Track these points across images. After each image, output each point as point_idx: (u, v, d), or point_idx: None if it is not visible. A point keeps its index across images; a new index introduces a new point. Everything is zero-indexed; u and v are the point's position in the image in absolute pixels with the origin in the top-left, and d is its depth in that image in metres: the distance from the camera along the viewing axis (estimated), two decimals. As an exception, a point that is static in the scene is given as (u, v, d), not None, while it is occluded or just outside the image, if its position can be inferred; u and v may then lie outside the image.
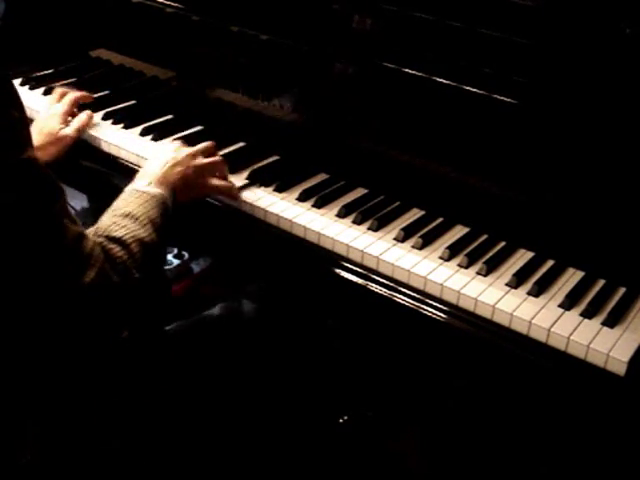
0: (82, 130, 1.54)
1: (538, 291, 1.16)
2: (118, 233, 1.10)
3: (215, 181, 1.34)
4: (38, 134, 1.46)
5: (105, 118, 1.61)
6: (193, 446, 1.22)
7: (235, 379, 1.33)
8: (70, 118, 1.55)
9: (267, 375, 1.39)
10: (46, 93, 1.71)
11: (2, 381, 1.05)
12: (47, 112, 1.55)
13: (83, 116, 1.55)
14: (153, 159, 1.31)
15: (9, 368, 1.05)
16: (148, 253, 1.12)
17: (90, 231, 1.11)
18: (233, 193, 1.35)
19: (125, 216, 1.14)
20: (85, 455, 1.13)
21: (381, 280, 1.21)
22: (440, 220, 1.33)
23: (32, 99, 1.68)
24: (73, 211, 1.06)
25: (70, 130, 1.51)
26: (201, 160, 1.33)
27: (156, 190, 1.21)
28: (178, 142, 1.39)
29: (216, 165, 1.36)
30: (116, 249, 1.07)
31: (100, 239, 1.07)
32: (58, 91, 1.61)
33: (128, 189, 1.22)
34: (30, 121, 1.63)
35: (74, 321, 1.02)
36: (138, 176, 1.26)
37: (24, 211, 0.93)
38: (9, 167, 0.91)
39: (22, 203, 0.93)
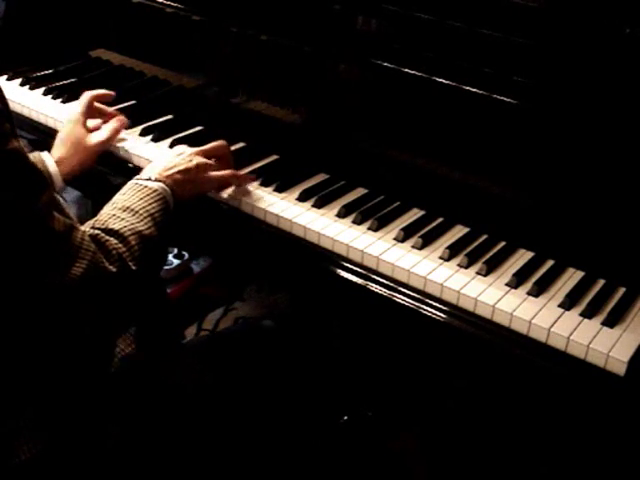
0: (113, 138, 1.47)
1: (538, 291, 1.16)
2: (116, 226, 1.10)
3: (215, 174, 1.34)
4: (62, 145, 1.42)
5: (105, 118, 1.61)
6: (194, 445, 1.22)
7: (234, 379, 1.33)
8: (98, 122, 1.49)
9: (267, 375, 1.39)
10: (46, 93, 1.70)
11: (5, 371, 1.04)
12: (67, 118, 1.47)
13: (114, 123, 1.48)
14: (157, 160, 1.32)
15: (3, 364, 1.04)
16: (147, 247, 1.11)
17: (88, 224, 1.11)
18: (237, 177, 1.36)
19: (124, 209, 1.14)
20: (84, 455, 1.13)
21: (381, 280, 1.21)
22: (440, 220, 1.33)
23: (32, 99, 1.68)
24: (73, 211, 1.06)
25: (99, 138, 1.45)
26: (203, 159, 1.33)
27: (155, 184, 1.21)
28: (183, 146, 1.39)
29: (219, 165, 1.36)
30: (112, 241, 1.07)
31: (96, 231, 1.07)
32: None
33: (129, 184, 1.22)
34: (25, 118, 1.64)
35: (69, 315, 1.01)
36: (140, 173, 1.27)
37: (9, 203, 0.92)
38: None
39: (7, 194, 0.92)
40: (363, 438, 1.68)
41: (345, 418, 1.66)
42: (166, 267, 2.18)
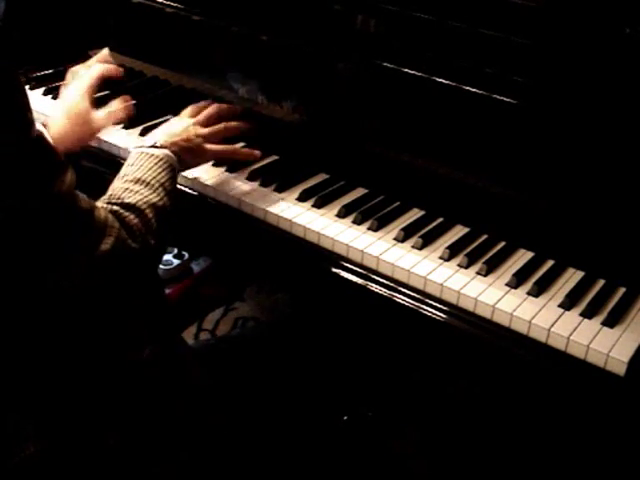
0: (118, 118, 1.45)
1: (538, 291, 1.16)
2: (132, 199, 1.10)
3: (216, 147, 1.36)
4: (62, 118, 1.39)
5: (105, 118, 1.60)
6: (194, 446, 1.22)
7: (233, 380, 1.33)
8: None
9: (267, 375, 1.39)
10: (46, 93, 1.71)
11: (7, 372, 1.04)
12: (70, 90, 1.43)
13: (120, 103, 1.45)
14: (158, 128, 1.33)
15: (17, 358, 1.04)
16: (161, 218, 1.12)
17: (103, 199, 1.11)
18: (238, 153, 1.39)
19: (136, 181, 1.14)
20: (88, 453, 1.13)
21: (381, 280, 1.21)
22: (440, 220, 1.33)
23: (32, 99, 1.67)
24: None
25: (103, 116, 1.42)
26: (203, 129, 1.34)
27: (161, 151, 1.21)
28: (187, 110, 1.41)
29: (220, 131, 1.38)
30: (131, 216, 1.07)
31: (115, 207, 1.07)
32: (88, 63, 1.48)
33: (134, 153, 1.22)
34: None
35: (93, 291, 1.01)
36: (144, 141, 1.28)
37: (39, 186, 0.93)
38: (22, 145, 0.91)
39: (36, 179, 0.93)
40: (363, 438, 1.68)
41: (345, 418, 1.65)
42: (166, 267, 2.18)
